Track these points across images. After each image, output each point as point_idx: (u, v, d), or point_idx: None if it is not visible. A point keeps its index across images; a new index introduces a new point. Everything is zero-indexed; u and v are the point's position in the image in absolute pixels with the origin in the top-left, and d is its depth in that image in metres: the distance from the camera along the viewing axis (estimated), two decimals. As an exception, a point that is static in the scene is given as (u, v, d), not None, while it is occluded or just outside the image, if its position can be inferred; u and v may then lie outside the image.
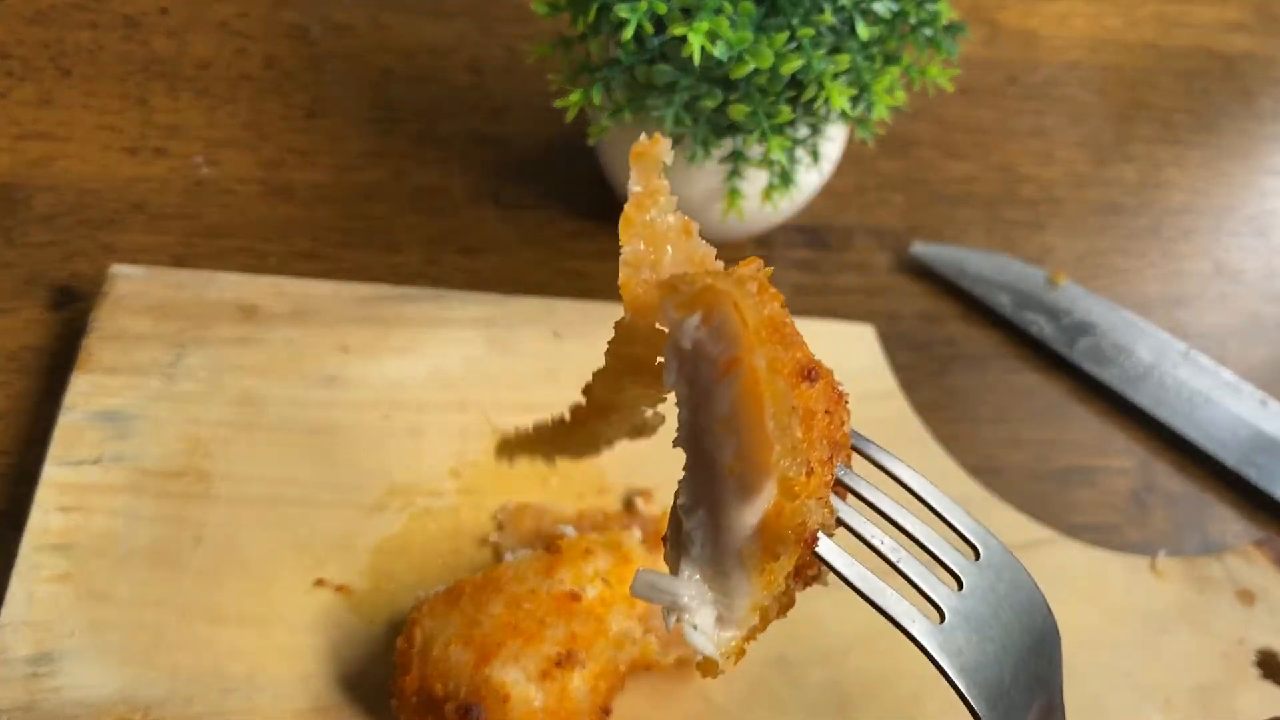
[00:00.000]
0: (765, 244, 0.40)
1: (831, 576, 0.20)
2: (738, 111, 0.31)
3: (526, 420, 0.33)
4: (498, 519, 0.31)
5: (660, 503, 0.32)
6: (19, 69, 0.41)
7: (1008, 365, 0.39)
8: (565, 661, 0.26)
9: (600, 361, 0.35)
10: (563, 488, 0.32)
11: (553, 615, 0.27)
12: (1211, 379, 0.38)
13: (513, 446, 0.25)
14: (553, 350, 0.35)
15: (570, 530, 0.30)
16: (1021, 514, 0.34)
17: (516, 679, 0.26)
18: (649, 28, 0.29)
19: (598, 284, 0.38)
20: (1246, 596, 0.33)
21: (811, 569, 0.20)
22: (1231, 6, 0.51)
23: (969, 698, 0.19)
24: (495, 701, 0.25)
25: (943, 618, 0.20)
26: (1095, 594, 0.33)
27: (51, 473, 0.30)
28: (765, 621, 0.19)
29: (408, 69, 0.43)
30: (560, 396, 0.34)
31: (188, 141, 0.40)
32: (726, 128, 0.32)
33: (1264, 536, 0.35)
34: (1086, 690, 0.31)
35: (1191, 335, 0.40)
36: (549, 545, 0.28)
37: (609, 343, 0.21)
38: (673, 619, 0.19)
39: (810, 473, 0.18)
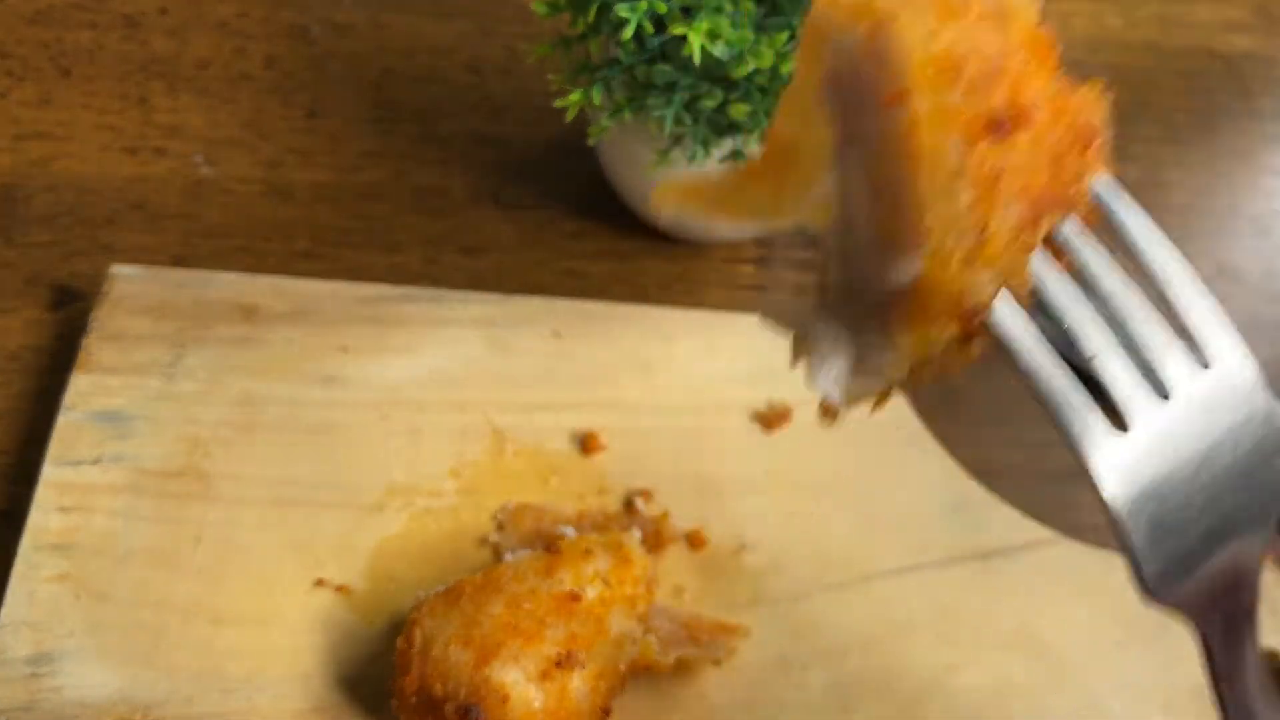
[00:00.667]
0: (765, 244, 0.40)
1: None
2: (738, 111, 0.31)
3: (527, 419, 0.33)
4: (498, 519, 0.31)
5: (660, 503, 0.32)
6: (18, 69, 0.41)
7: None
8: (565, 662, 0.26)
9: (600, 360, 0.35)
10: (563, 488, 0.32)
11: (553, 615, 0.27)
12: (1212, 379, 0.38)
13: (675, 193, 0.20)
14: (553, 350, 0.35)
15: (570, 531, 0.31)
16: (1021, 514, 0.34)
17: (516, 679, 0.26)
18: (649, 27, 0.29)
19: (598, 283, 0.38)
20: (1247, 597, 0.33)
21: (980, 333, 0.15)
22: (1232, 6, 0.51)
23: (1126, 536, 0.14)
24: (495, 702, 0.25)
25: (1129, 428, 0.15)
26: (1096, 594, 0.33)
27: (51, 473, 0.30)
28: (916, 378, 0.15)
29: (408, 69, 0.43)
30: (561, 396, 0.34)
31: (187, 141, 0.40)
32: (727, 127, 0.32)
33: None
34: (1087, 691, 0.31)
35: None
36: (549, 545, 0.28)
37: (802, 34, 0.15)
38: (800, 360, 0.15)
39: (985, 242, 0.14)
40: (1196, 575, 0.15)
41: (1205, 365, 0.16)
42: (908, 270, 0.14)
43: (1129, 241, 0.16)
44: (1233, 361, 0.16)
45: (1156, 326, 0.16)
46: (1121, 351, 0.15)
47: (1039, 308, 0.15)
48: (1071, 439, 0.15)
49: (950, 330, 0.15)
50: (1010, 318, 0.15)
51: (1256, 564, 0.16)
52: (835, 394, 0.16)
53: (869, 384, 0.16)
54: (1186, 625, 0.16)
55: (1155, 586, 0.15)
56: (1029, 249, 0.14)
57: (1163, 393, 0.15)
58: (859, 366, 0.16)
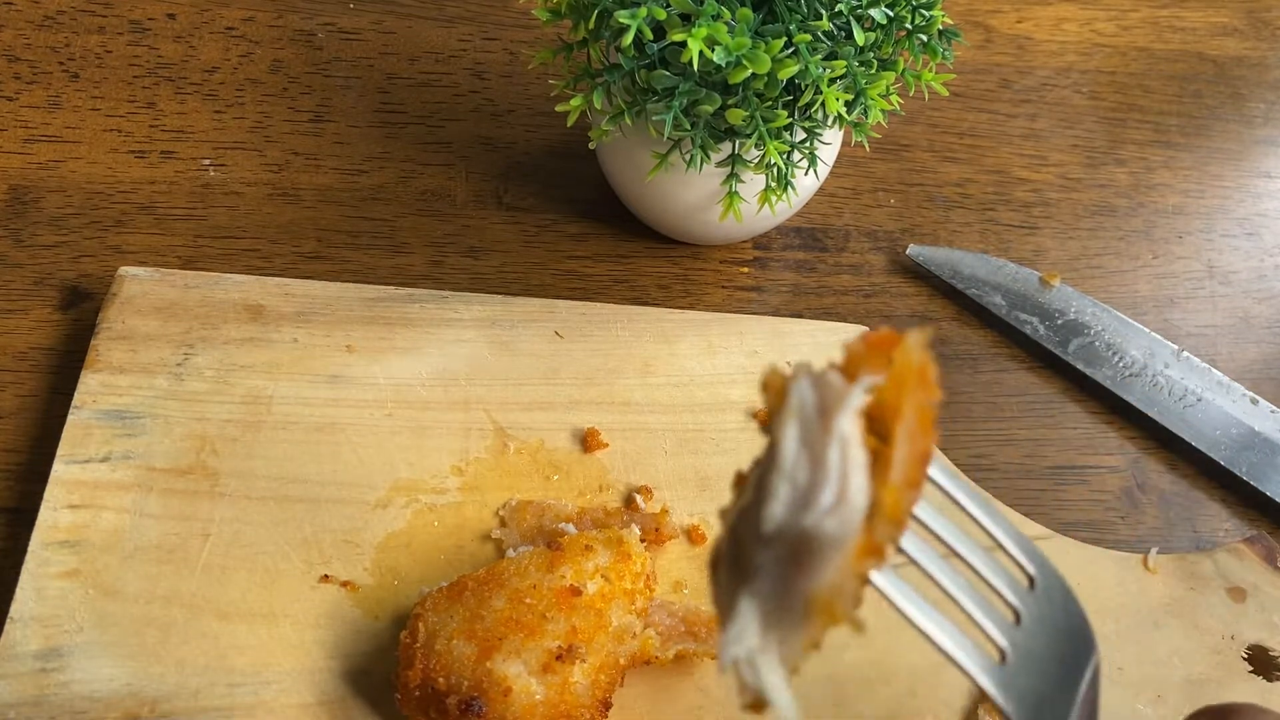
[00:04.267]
0: (763, 246, 0.41)
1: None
2: (736, 116, 0.31)
3: (529, 417, 0.34)
4: (500, 515, 0.32)
5: (659, 500, 0.33)
6: (28, 73, 0.41)
7: (1001, 365, 0.39)
8: (566, 655, 0.26)
9: (601, 360, 0.36)
10: (564, 485, 0.33)
11: (554, 610, 0.27)
12: (1203, 379, 0.39)
13: None
14: (554, 350, 0.35)
15: (571, 527, 0.31)
16: (1014, 512, 0.35)
17: (518, 672, 0.26)
18: (648, 33, 0.30)
19: (598, 285, 0.39)
20: (1237, 593, 0.33)
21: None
22: (1222, 11, 0.52)
23: None
24: (497, 694, 0.26)
25: (1003, 656, 0.19)
26: (1088, 591, 0.33)
27: (61, 470, 0.30)
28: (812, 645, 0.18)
29: (412, 74, 0.43)
30: (562, 395, 0.35)
31: (195, 144, 0.40)
32: (724, 132, 0.33)
33: (1254, 534, 0.35)
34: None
35: (1183, 336, 0.41)
36: (550, 541, 0.29)
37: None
38: (743, 667, 0.18)
39: (884, 512, 0.17)
40: None
41: (1030, 582, 0.21)
42: (850, 545, 0.17)
43: (962, 504, 0.21)
44: (1047, 572, 0.21)
45: (996, 567, 0.21)
46: (979, 597, 0.20)
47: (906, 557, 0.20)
48: (975, 681, 0.19)
49: (859, 582, 0.18)
50: (893, 584, 0.19)
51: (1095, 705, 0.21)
52: (789, 709, 0.18)
53: (785, 668, 0.19)
54: None
55: None
56: (915, 500, 0.18)
57: (1014, 618, 0.20)
58: (783, 657, 0.18)
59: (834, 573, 0.17)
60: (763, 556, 0.18)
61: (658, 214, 0.38)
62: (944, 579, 0.20)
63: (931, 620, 0.19)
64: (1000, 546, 0.21)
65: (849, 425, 0.17)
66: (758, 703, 0.18)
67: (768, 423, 0.18)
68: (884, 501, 0.17)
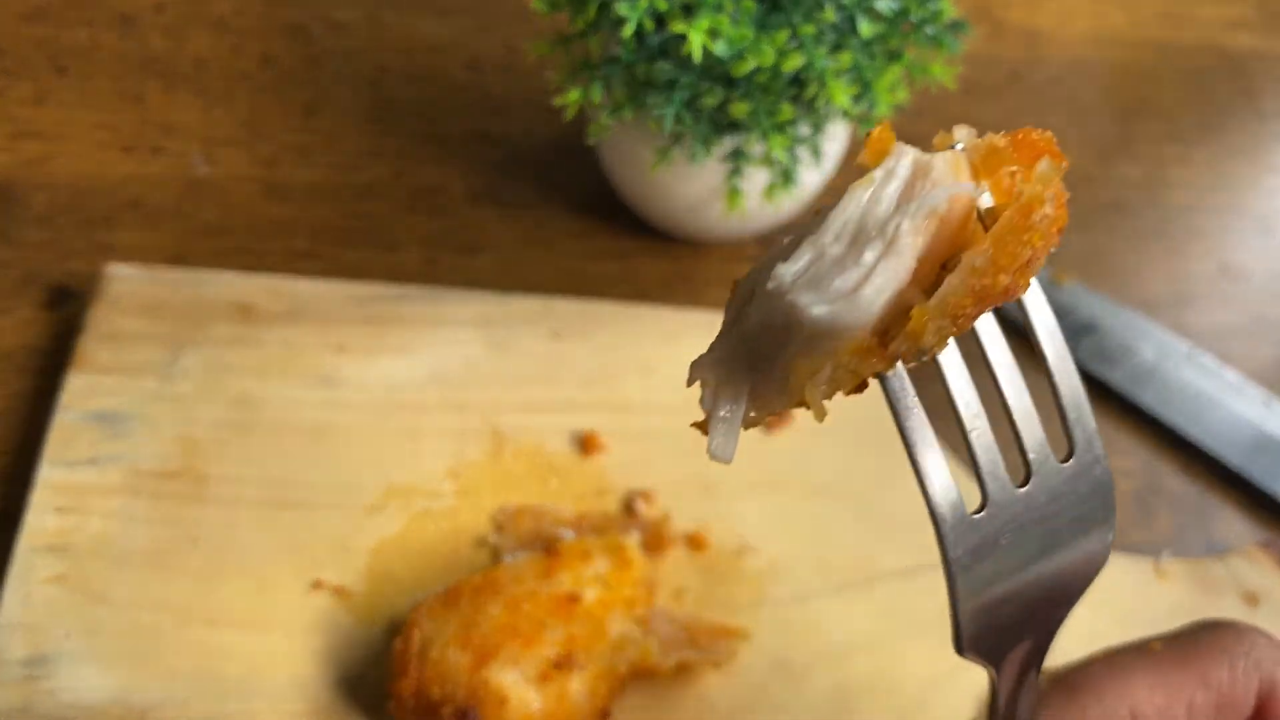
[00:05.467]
0: (766, 243, 0.40)
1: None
2: (739, 109, 0.31)
3: (526, 420, 0.33)
4: (496, 520, 0.31)
5: (660, 505, 0.32)
6: (14, 67, 0.40)
7: (995, 327, 0.38)
8: (564, 664, 0.26)
9: (600, 360, 0.35)
10: (562, 490, 0.32)
11: (551, 617, 0.26)
12: (1216, 380, 0.38)
13: None
14: (552, 350, 0.34)
15: (569, 532, 0.30)
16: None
17: (514, 681, 0.25)
18: (649, 25, 0.29)
19: (597, 283, 0.38)
20: (1250, 598, 0.33)
21: (860, 383, 0.16)
22: (1235, 4, 0.51)
23: (955, 600, 0.17)
24: (493, 704, 0.25)
25: (983, 508, 0.17)
26: (1099, 595, 0.32)
27: (47, 473, 0.30)
28: (777, 416, 0.17)
29: (406, 67, 0.42)
30: (560, 396, 0.34)
31: (184, 140, 0.39)
32: (727, 126, 0.32)
33: (1268, 538, 0.35)
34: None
35: (1196, 335, 0.40)
36: (548, 547, 0.28)
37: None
38: (705, 390, 0.16)
39: (948, 304, 0.15)
40: (1005, 640, 0.18)
41: (1066, 458, 0.18)
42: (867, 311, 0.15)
43: (1032, 333, 0.18)
44: (1091, 459, 0.18)
45: (1033, 421, 0.18)
46: (991, 437, 0.17)
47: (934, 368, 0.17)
48: (930, 508, 0.17)
49: (858, 378, 0.16)
50: (901, 383, 0.17)
51: (1048, 642, 0.19)
52: (727, 454, 0.17)
53: (749, 421, 0.17)
54: (990, 679, 0.19)
55: (967, 645, 0.18)
56: (956, 331, 0.16)
57: (1024, 477, 0.18)
58: (750, 398, 0.17)
59: (818, 356, 0.15)
60: (758, 308, 0.16)
61: (659, 210, 0.37)
62: (963, 404, 0.17)
63: (921, 436, 0.16)
64: (1059, 407, 0.18)
65: (909, 224, 0.15)
66: (704, 425, 0.17)
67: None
68: (911, 318, 0.15)
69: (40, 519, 0.29)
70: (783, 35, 0.29)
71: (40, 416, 0.32)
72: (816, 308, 0.15)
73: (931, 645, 0.30)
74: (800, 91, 0.31)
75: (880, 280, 0.15)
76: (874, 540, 0.32)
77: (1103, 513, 0.18)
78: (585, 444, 0.33)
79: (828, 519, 0.32)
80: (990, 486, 0.17)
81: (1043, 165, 0.16)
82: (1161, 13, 0.50)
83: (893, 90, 0.32)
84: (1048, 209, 0.15)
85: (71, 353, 0.32)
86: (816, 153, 0.34)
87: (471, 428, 0.33)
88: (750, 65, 0.29)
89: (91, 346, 0.32)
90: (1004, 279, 0.15)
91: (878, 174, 0.16)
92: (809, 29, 0.29)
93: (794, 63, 0.29)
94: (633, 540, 0.29)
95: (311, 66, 0.42)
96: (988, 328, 0.18)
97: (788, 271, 0.16)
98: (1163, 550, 0.34)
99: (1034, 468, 0.18)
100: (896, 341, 0.16)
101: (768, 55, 0.28)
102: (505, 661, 0.26)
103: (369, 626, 0.29)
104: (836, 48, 0.31)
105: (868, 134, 0.16)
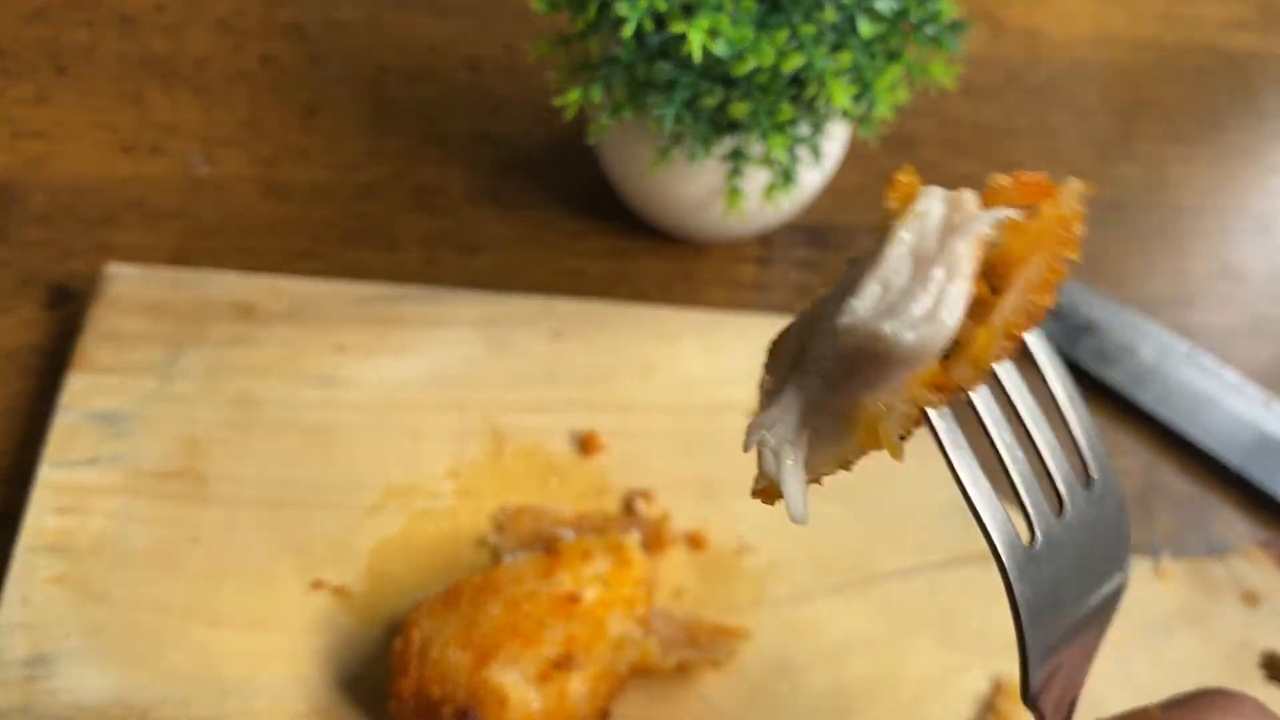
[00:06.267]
0: (766, 243, 0.40)
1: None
2: (739, 109, 0.31)
3: (526, 420, 0.33)
4: (496, 520, 0.31)
5: (660, 504, 0.32)
6: (15, 67, 0.40)
7: (1009, 365, 0.38)
8: (564, 664, 0.26)
9: (600, 360, 0.35)
10: (562, 489, 0.32)
11: (551, 617, 0.26)
12: (1216, 380, 0.38)
13: None
14: (552, 350, 0.34)
15: (569, 532, 0.30)
16: (1022, 516, 0.34)
17: (514, 681, 0.26)
18: (649, 25, 0.29)
19: (597, 283, 0.38)
20: (1250, 598, 0.33)
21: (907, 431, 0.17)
22: (1236, 4, 0.51)
23: (1026, 637, 0.17)
24: (493, 703, 0.25)
25: (1032, 540, 0.18)
26: (1098, 596, 0.32)
27: (47, 473, 0.30)
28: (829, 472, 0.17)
29: (406, 67, 0.43)
30: (560, 396, 0.34)
31: (184, 140, 0.39)
32: (727, 126, 0.32)
33: (1267, 538, 0.35)
34: (1089, 692, 0.31)
35: (1196, 335, 0.40)
36: (548, 547, 0.28)
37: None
38: (766, 452, 0.17)
39: (976, 341, 0.16)
40: (1052, 683, 0.19)
41: (1087, 483, 0.19)
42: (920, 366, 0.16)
43: (1044, 372, 0.19)
44: (1109, 480, 0.19)
45: (1060, 453, 0.19)
46: (1031, 472, 0.18)
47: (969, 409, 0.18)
48: (993, 547, 0.18)
49: (914, 410, 0.17)
50: (947, 427, 0.18)
51: (1084, 678, 0.20)
52: (806, 514, 0.17)
53: (814, 476, 0.18)
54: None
55: (1034, 690, 0.18)
56: (1005, 354, 0.17)
57: (1058, 507, 0.19)
58: (805, 461, 0.17)
59: (891, 390, 0.16)
60: (825, 350, 0.17)
61: (658, 211, 0.37)
62: (1001, 442, 0.18)
63: (972, 475, 0.17)
64: (1071, 436, 0.19)
65: (966, 249, 0.16)
66: (769, 491, 0.17)
67: (883, 227, 0.17)
68: (975, 341, 0.16)
69: (40, 519, 0.29)
70: (782, 35, 0.29)
71: (40, 416, 0.32)
72: (905, 333, 0.16)
73: (930, 645, 0.31)
74: (800, 91, 0.31)
75: (952, 301, 0.16)
76: (873, 540, 0.32)
77: (1126, 538, 0.19)
78: (585, 444, 0.33)
79: (827, 519, 0.32)
80: (1038, 520, 0.18)
81: (1073, 183, 0.16)
82: (1162, 13, 0.50)
83: (892, 90, 0.32)
84: (1082, 226, 0.16)
85: (72, 353, 0.32)
86: (816, 153, 0.34)
87: (471, 428, 0.33)
88: (750, 65, 0.29)
89: (92, 346, 0.32)
90: (1048, 297, 0.16)
91: (919, 209, 0.17)
92: (809, 29, 0.29)
93: (794, 63, 0.29)
94: (633, 540, 0.29)
95: (312, 67, 0.42)
96: (1002, 365, 0.19)
97: (861, 304, 0.16)
98: (1162, 550, 0.34)
99: (1067, 498, 0.19)
100: (960, 368, 0.16)
101: (767, 55, 0.28)
102: (505, 661, 0.26)
103: (369, 626, 0.29)
104: (836, 48, 0.31)
105: (892, 177, 0.17)
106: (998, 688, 0.30)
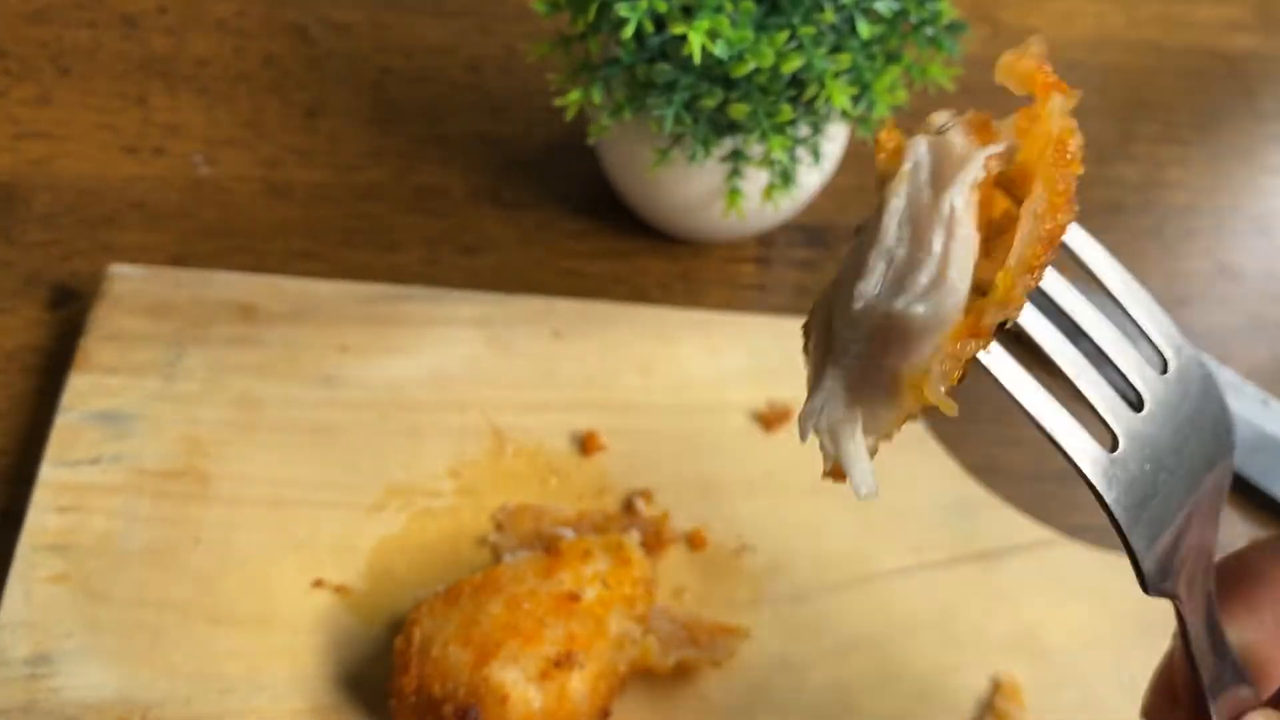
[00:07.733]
0: (766, 243, 0.40)
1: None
2: (738, 110, 0.31)
3: (527, 419, 0.33)
4: (497, 520, 0.31)
5: (660, 504, 0.32)
6: (17, 68, 0.41)
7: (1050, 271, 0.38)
8: (564, 662, 0.26)
9: (600, 360, 0.35)
10: (562, 489, 0.32)
11: (552, 616, 0.26)
12: (1214, 379, 0.38)
13: None
14: (552, 350, 0.35)
15: (570, 532, 0.30)
16: (1022, 514, 0.34)
17: (515, 679, 0.26)
18: (649, 26, 0.29)
19: (597, 284, 0.38)
20: (1249, 597, 0.33)
21: (961, 374, 0.17)
22: (1233, 6, 0.51)
23: (1129, 539, 0.17)
24: (493, 702, 0.25)
25: (1115, 444, 0.17)
26: (1097, 595, 0.33)
27: (49, 473, 0.30)
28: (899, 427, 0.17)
29: (407, 68, 0.43)
30: (560, 396, 0.34)
31: (186, 140, 0.40)
32: (727, 127, 0.32)
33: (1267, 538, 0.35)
34: (1088, 692, 0.31)
35: (1194, 335, 0.40)
36: (548, 546, 0.28)
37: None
38: (823, 435, 0.17)
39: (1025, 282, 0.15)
40: (1178, 563, 0.18)
41: (1164, 369, 0.18)
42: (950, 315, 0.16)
43: (1093, 269, 0.19)
44: (1185, 355, 0.18)
45: (1125, 345, 0.18)
46: (1097, 376, 0.17)
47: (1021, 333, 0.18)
48: (1076, 467, 0.17)
49: (954, 364, 0.16)
50: (1000, 358, 0.17)
51: (1214, 543, 0.19)
52: (874, 487, 0.17)
53: (871, 443, 0.17)
54: (1176, 609, 0.18)
55: (1153, 581, 0.18)
56: (1035, 283, 0.16)
57: (1136, 400, 0.18)
58: (866, 429, 0.17)
59: (924, 355, 0.16)
60: (850, 332, 0.16)
61: (658, 211, 0.38)
62: (1057, 352, 0.17)
63: (1034, 400, 0.16)
64: (1136, 324, 0.18)
65: (960, 200, 0.16)
66: (838, 471, 0.17)
67: (879, 187, 0.16)
68: (996, 285, 0.16)
69: (42, 518, 0.29)
70: (782, 36, 0.29)
71: (42, 416, 0.32)
72: (916, 307, 0.16)
73: (930, 644, 0.31)
74: (800, 92, 0.31)
75: (958, 261, 0.16)
76: (873, 539, 0.32)
77: (1218, 404, 0.18)
78: (585, 444, 0.33)
79: (827, 518, 0.32)
80: (1114, 422, 0.17)
81: (1056, 100, 0.16)
82: (1159, 14, 0.50)
83: (891, 91, 0.32)
84: (1079, 138, 0.16)
85: (74, 353, 0.32)
86: (816, 153, 0.34)
87: (472, 427, 0.33)
88: (749, 66, 0.29)
89: (94, 346, 0.32)
90: (1061, 217, 0.16)
91: (905, 168, 0.16)
92: (808, 30, 0.30)
93: (793, 64, 0.29)
94: (633, 539, 0.29)
95: (313, 68, 0.42)
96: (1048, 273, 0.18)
97: (869, 286, 0.16)
98: (1161, 549, 0.34)
99: (1143, 389, 0.17)
100: (989, 313, 0.16)
101: (767, 56, 0.29)
102: (506, 659, 0.26)
103: (370, 625, 0.29)
104: (836, 49, 0.31)
105: (876, 138, 0.17)
106: (997, 687, 0.30)
